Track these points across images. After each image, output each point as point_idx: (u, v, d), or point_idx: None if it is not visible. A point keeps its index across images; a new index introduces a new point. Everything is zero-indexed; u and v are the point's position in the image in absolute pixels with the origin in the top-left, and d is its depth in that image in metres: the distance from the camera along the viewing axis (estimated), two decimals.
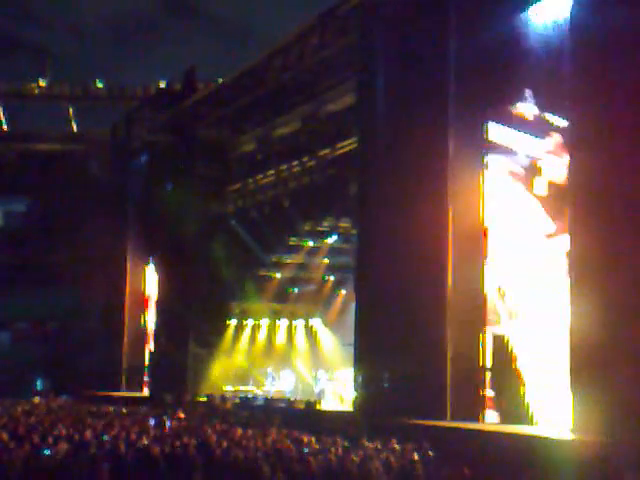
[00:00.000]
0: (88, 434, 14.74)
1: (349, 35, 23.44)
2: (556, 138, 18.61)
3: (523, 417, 17.62)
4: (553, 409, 17.45)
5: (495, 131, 19.03)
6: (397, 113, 20.31)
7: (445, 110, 18.90)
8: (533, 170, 19.08)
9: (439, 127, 18.92)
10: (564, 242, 16.76)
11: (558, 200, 18.18)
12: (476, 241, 18.63)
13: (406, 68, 20.10)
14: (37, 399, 29.01)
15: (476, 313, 18.47)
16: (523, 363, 18.34)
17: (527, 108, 18.91)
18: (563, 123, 17.80)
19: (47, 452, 12.52)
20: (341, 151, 25.79)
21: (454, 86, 18.94)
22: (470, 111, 18.74)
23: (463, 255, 18.60)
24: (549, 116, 18.79)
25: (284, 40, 26.74)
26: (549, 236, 18.76)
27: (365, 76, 22.01)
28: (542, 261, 18.92)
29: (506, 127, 19.10)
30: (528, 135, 19.19)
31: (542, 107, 18.66)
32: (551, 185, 18.87)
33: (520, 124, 19.09)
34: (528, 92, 18.58)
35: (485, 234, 18.70)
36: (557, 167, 18.48)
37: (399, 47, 20.45)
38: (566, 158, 16.71)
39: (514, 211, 19.21)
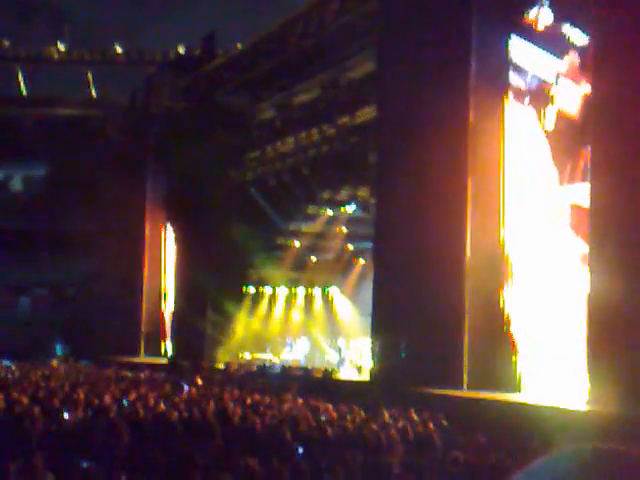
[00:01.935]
0: (107, 399, 14.85)
1: (369, 1, 23.19)
2: (573, 58, 17.45)
3: (511, 384, 17.55)
4: (545, 378, 17.42)
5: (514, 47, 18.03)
6: (417, 81, 20.11)
7: (466, 77, 18.69)
8: (544, 97, 18.19)
9: (459, 93, 18.73)
10: (572, 193, 16.31)
11: (567, 138, 17.42)
12: (494, 211, 18.53)
13: (426, 34, 19.86)
14: (56, 363, 29.30)
15: (495, 282, 18.39)
16: (518, 328, 18.20)
17: (543, 16, 17.73)
18: (583, 40, 16.75)
19: (67, 416, 12.64)
20: (361, 119, 25.62)
21: (475, 56, 18.71)
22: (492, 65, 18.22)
23: (482, 225, 18.49)
24: (568, 29, 17.53)
25: (304, 6, 26.50)
26: (554, 185, 18.14)
27: (385, 43, 21.79)
28: (545, 215, 18.49)
29: (521, 40, 18.07)
30: (542, 51, 18.09)
31: (560, 15, 17.37)
32: (561, 118, 18.02)
33: (534, 37, 17.96)
34: None
35: (504, 199, 18.42)
36: (571, 95, 17.35)
37: (419, 13, 20.20)
38: (582, 85, 15.90)
39: (524, 157, 18.60)
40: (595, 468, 0.81)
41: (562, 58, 17.89)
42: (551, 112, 18.07)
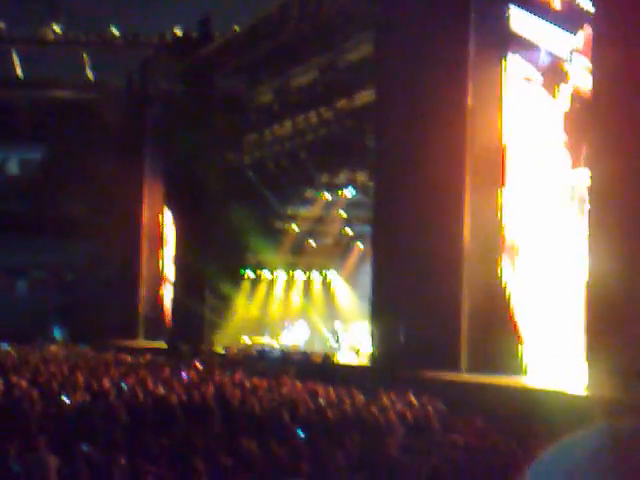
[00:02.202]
0: (106, 382, 14.87)
1: None
2: (588, 32, 16.79)
3: (511, 368, 17.57)
4: (545, 362, 17.44)
5: (519, 22, 17.66)
6: (415, 64, 20.01)
7: (466, 58, 18.60)
8: (558, 74, 17.77)
9: (458, 74, 18.65)
10: (579, 177, 16.21)
11: (582, 119, 16.87)
12: (494, 193, 18.50)
13: (424, 17, 19.75)
14: (54, 347, 29.31)
15: (494, 264, 18.38)
16: (520, 309, 18.17)
17: None
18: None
19: (66, 400, 12.65)
20: (359, 102, 25.50)
21: (475, 34, 18.58)
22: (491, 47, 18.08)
23: (481, 208, 18.46)
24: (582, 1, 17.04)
25: None
26: (564, 168, 18.00)
27: (383, 25, 21.67)
28: (551, 198, 18.37)
29: (531, 15, 17.63)
30: (555, 27, 17.61)
31: None
32: (576, 96, 17.57)
33: (546, 11, 17.45)
34: None
35: (503, 178, 18.32)
36: (586, 73, 16.77)
37: None
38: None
39: (528, 139, 18.40)
40: (628, 445, 0.79)
41: (576, 34, 17.44)
42: (566, 91, 17.72)
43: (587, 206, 15.59)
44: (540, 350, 17.98)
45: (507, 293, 18.26)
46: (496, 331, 18.07)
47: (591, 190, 15.26)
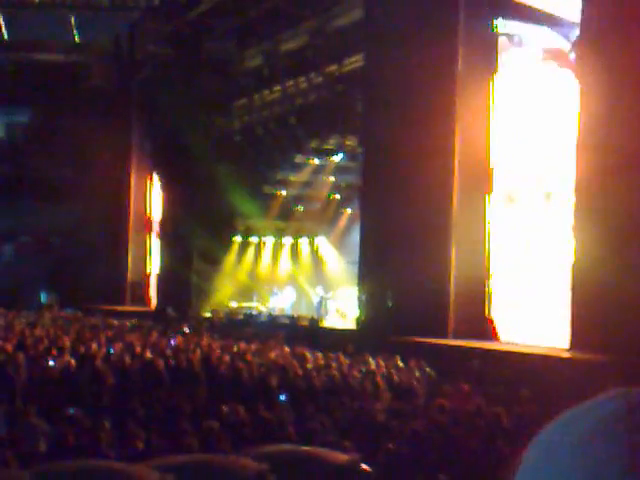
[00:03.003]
0: (93, 346, 14.85)
1: None
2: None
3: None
4: (527, 326, 17.66)
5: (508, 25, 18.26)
6: (405, 29, 19.84)
7: (456, 16, 18.48)
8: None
9: (449, 41, 18.53)
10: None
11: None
12: (482, 159, 18.49)
13: None
14: (41, 312, 29.23)
15: (481, 232, 18.45)
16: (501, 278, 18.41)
17: None
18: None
19: (52, 363, 12.63)
20: (349, 68, 25.32)
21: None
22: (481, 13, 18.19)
23: (470, 174, 18.45)
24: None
25: None
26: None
27: None
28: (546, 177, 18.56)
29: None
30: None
31: None
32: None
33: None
34: None
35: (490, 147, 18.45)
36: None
37: None
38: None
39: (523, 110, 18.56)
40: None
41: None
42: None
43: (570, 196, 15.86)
44: (522, 315, 18.18)
45: (492, 260, 18.45)
46: (483, 297, 18.23)
47: (576, 174, 15.49)
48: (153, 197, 34.39)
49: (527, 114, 18.64)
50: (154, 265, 33.75)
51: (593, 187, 14.97)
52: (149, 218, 34.48)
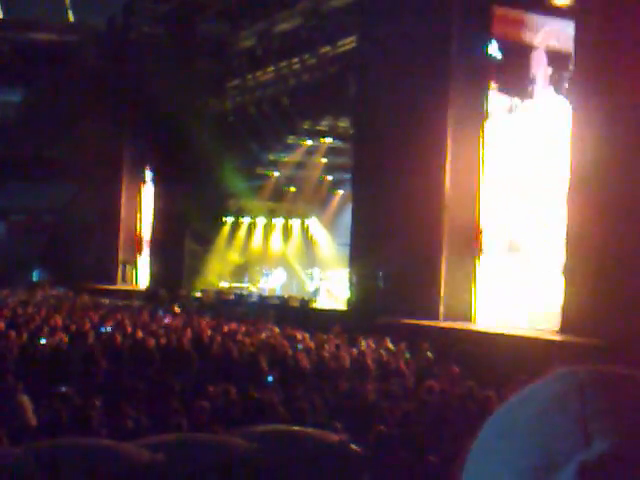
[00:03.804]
0: (85, 325, 14.89)
1: None
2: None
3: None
4: (516, 308, 17.80)
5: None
6: (399, 11, 19.80)
7: (451, 5, 18.49)
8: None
9: (442, 23, 18.53)
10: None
11: None
12: (475, 142, 18.53)
13: None
14: (33, 290, 29.23)
15: (471, 215, 18.53)
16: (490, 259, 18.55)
17: None
18: None
19: (43, 341, 12.67)
20: (342, 49, 25.25)
21: None
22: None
23: (463, 157, 18.48)
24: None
25: None
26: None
27: None
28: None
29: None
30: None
31: None
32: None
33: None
34: None
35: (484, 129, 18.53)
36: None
37: None
38: None
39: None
40: (592, 389, 0.78)
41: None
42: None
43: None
44: (512, 297, 18.32)
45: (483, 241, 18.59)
46: (473, 279, 18.34)
47: (571, 151, 15.57)
48: (146, 176, 34.34)
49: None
50: (146, 244, 33.75)
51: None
52: (141, 197, 34.43)
